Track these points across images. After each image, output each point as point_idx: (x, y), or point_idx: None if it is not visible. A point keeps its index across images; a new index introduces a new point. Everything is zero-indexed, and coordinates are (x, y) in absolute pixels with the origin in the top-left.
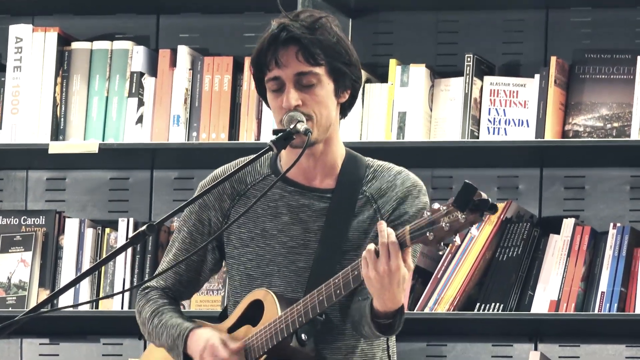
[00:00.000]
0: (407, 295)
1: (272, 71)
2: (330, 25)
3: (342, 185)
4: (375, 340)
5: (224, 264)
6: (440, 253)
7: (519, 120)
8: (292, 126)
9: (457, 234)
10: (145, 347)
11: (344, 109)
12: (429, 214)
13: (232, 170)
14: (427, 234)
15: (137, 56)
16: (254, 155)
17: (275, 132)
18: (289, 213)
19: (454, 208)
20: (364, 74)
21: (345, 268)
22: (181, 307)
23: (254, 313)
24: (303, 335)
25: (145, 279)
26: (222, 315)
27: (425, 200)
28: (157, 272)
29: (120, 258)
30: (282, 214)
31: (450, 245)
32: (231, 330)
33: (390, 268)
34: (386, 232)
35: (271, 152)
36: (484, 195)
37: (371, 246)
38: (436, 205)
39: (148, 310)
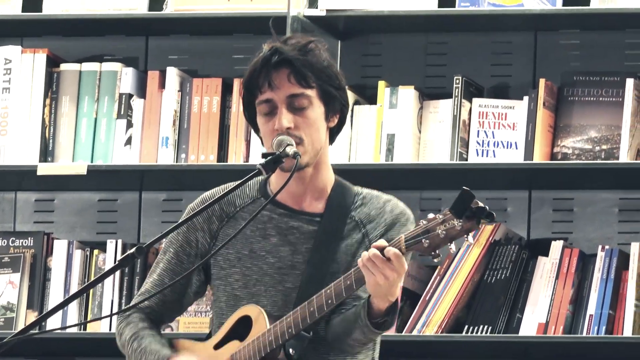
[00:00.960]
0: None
1: (264, 94)
2: (320, 50)
3: (331, 209)
4: (361, 355)
5: (208, 288)
6: (435, 261)
7: (508, 142)
8: (281, 150)
9: (453, 242)
10: None
11: (332, 135)
12: (424, 222)
13: (222, 194)
14: (422, 241)
15: (126, 78)
16: (242, 180)
17: (264, 155)
18: (278, 235)
19: (451, 215)
20: (352, 96)
21: None
22: (168, 329)
23: (241, 329)
24: (291, 350)
25: (134, 301)
26: (209, 337)
27: (412, 228)
28: (139, 292)
29: (108, 280)
30: (270, 235)
31: (439, 267)
32: (218, 346)
33: (392, 273)
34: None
35: (260, 175)
36: (481, 203)
37: (370, 252)
38: (432, 215)
39: (128, 334)
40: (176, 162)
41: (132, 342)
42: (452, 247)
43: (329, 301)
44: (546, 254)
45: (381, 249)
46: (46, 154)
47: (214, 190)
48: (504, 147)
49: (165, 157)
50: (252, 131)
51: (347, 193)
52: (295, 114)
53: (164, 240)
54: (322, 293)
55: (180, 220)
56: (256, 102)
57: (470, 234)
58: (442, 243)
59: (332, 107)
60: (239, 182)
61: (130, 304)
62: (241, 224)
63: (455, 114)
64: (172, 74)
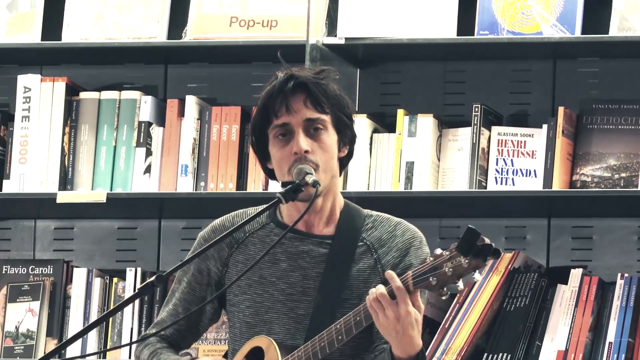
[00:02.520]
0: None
1: (280, 118)
2: (333, 79)
3: (341, 231)
4: None
5: (223, 313)
6: (444, 298)
7: (527, 170)
8: (300, 178)
9: (461, 279)
10: None
11: (341, 166)
12: (431, 259)
13: (233, 221)
14: (430, 279)
15: (145, 106)
16: (262, 209)
17: (284, 184)
18: (288, 260)
19: (457, 253)
20: (371, 124)
21: (344, 315)
22: (187, 357)
23: None
24: None
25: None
26: None
27: (427, 250)
28: (155, 322)
29: (128, 308)
30: (280, 260)
31: (458, 295)
32: None
33: (400, 313)
34: (392, 277)
35: (280, 204)
36: (487, 240)
37: (373, 294)
38: (439, 251)
39: (147, 353)
40: (195, 190)
41: (152, 359)
42: (460, 284)
43: (339, 337)
44: (565, 282)
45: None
46: (65, 182)
47: (224, 218)
48: (523, 175)
49: (185, 185)
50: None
51: (357, 215)
52: (311, 138)
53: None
54: (333, 328)
55: (193, 250)
56: (270, 127)
57: (477, 271)
58: (450, 280)
59: (344, 136)
60: (252, 209)
61: (146, 334)
62: (251, 249)
63: (474, 142)
64: (191, 102)
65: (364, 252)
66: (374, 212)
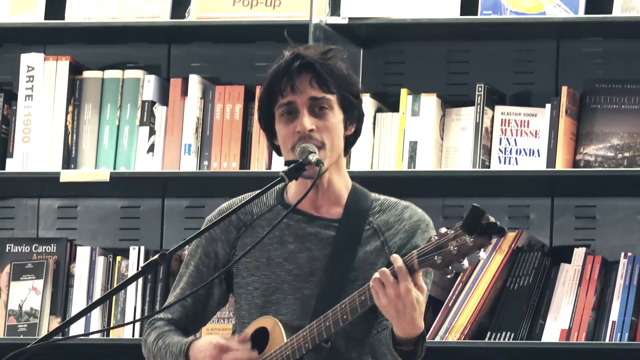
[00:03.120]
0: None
1: (286, 97)
2: (339, 58)
3: (349, 214)
4: None
5: (231, 296)
6: (449, 277)
7: (530, 149)
8: (304, 157)
9: (465, 258)
10: None
11: (347, 145)
12: (436, 237)
13: (241, 203)
14: (435, 258)
15: (149, 85)
16: (265, 187)
17: (287, 163)
18: (295, 242)
19: (462, 232)
20: (375, 104)
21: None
22: (191, 336)
23: (259, 340)
24: None
25: (156, 307)
26: None
27: (433, 234)
28: (164, 305)
29: (131, 286)
30: (288, 242)
31: (462, 274)
32: None
33: (400, 292)
34: (393, 257)
35: (283, 183)
36: (492, 219)
37: (377, 274)
38: (443, 230)
39: (153, 335)
40: (199, 169)
41: (157, 342)
42: (465, 262)
43: (345, 316)
44: (569, 261)
45: (392, 267)
46: (69, 161)
47: (232, 201)
48: (526, 154)
49: (188, 164)
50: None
51: (365, 198)
52: (316, 117)
53: (186, 252)
54: (338, 308)
55: (198, 231)
56: (276, 106)
57: (482, 249)
58: (455, 259)
59: (350, 115)
60: (258, 191)
61: (153, 313)
62: (259, 232)
63: (477, 121)
64: (195, 82)
65: (371, 235)
66: (382, 196)
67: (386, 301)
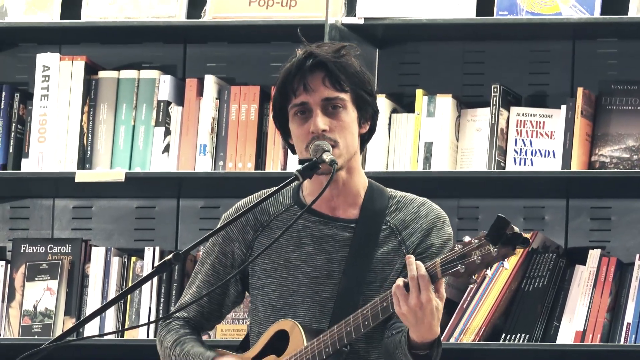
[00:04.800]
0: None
1: (299, 97)
2: (353, 55)
3: (365, 215)
4: None
5: (246, 295)
6: (472, 286)
7: (546, 151)
8: (318, 156)
9: (489, 267)
10: None
11: (362, 142)
12: (460, 247)
13: (256, 201)
14: (459, 267)
15: (164, 85)
16: (279, 186)
17: (301, 161)
18: (313, 243)
19: (486, 241)
20: (390, 104)
21: (369, 298)
22: (205, 336)
23: (278, 343)
24: None
25: (171, 308)
26: (243, 346)
27: (450, 231)
28: (179, 304)
29: (146, 286)
30: (305, 244)
31: (476, 275)
32: None
33: (422, 301)
34: (415, 265)
35: (296, 182)
36: (517, 229)
37: (400, 281)
38: (467, 239)
39: (170, 340)
40: (214, 169)
41: (175, 347)
42: (488, 272)
43: (366, 322)
44: (584, 263)
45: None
46: (84, 161)
47: (248, 199)
48: (541, 155)
49: (203, 165)
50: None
51: (381, 197)
52: (329, 117)
53: (202, 251)
54: (359, 313)
55: (215, 229)
56: (289, 105)
57: (506, 259)
58: (478, 269)
59: (364, 113)
60: (274, 189)
61: (168, 314)
62: (276, 232)
63: (493, 122)
64: (210, 82)
65: (388, 235)
66: (398, 193)
67: (406, 309)
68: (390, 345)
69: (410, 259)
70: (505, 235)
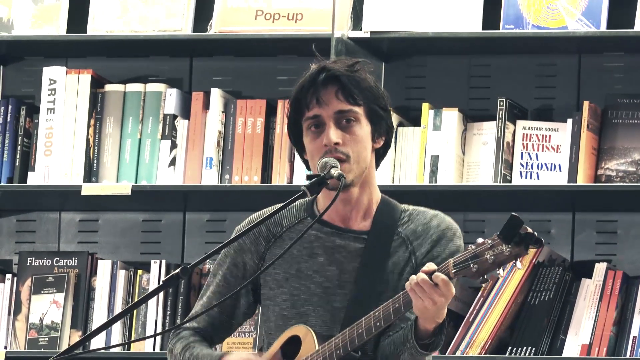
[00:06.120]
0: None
1: (312, 110)
2: (366, 71)
3: (377, 227)
4: None
5: (258, 307)
6: (483, 286)
7: (552, 164)
8: (325, 172)
9: (501, 267)
10: None
11: (378, 158)
12: (473, 247)
13: (269, 214)
14: (471, 266)
15: (170, 99)
16: (286, 202)
17: (309, 177)
18: (325, 254)
19: (499, 240)
20: (396, 118)
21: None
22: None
23: (290, 349)
24: None
25: (177, 321)
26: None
27: (459, 243)
28: (190, 315)
29: (152, 300)
30: (317, 254)
31: (482, 289)
32: None
33: (442, 300)
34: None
35: (305, 197)
36: (530, 229)
37: (418, 278)
38: (480, 239)
39: (179, 347)
40: (220, 182)
41: (184, 353)
42: (501, 272)
43: (377, 324)
44: (590, 276)
45: (429, 274)
46: (90, 174)
47: (261, 212)
48: (547, 169)
49: (209, 178)
50: (296, 152)
51: (394, 210)
52: (342, 130)
53: (213, 262)
54: (371, 315)
55: (227, 240)
56: (303, 119)
57: (518, 259)
58: (491, 268)
59: (378, 128)
60: (284, 203)
61: (179, 324)
62: (288, 243)
63: (499, 136)
64: (216, 95)
65: (399, 245)
66: (411, 207)
67: (430, 303)
68: (388, 345)
69: (431, 267)
70: (519, 234)
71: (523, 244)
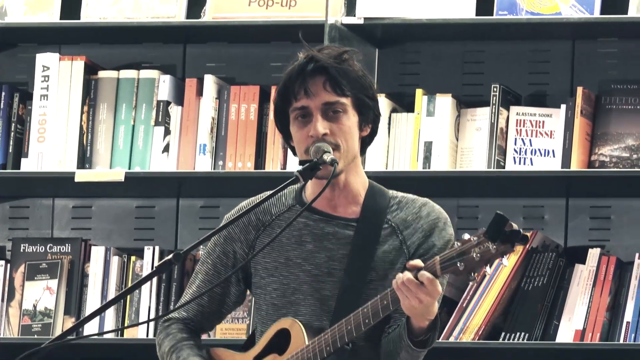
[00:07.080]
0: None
1: (299, 101)
2: (354, 60)
3: (366, 213)
4: None
5: (248, 293)
6: (471, 283)
7: (545, 150)
8: (318, 156)
9: (488, 264)
10: None
11: (364, 145)
12: (459, 244)
13: (257, 202)
14: (458, 264)
15: (164, 85)
16: (279, 187)
17: (301, 162)
18: (314, 241)
19: (485, 238)
20: (390, 104)
21: (370, 296)
22: (205, 336)
23: (280, 342)
24: None
25: (170, 307)
26: (248, 345)
27: (451, 231)
28: (179, 303)
29: (145, 286)
30: (306, 242)
31: (476, 274)
32: (257, 359)
33: (429, 299)
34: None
35: (297, 183)
36: (515, 226)
37: (404, 277)
38: (467, 236)
39: (167, 345)
40: (213, 169)
41: (171, 354)
42: (488, 269)
43: (366, 320)
44: (583, 262)
45: (416, 270)
46: (84, 160)
47: (250, 200)
48: (541, 155)
49: (203, 164)
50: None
51: (382, 196)
52: (330, 121)
53: (202, 250)
54: (360, 312)
55: (217, 228)
56: (290, 109)
57: (505, 256)
58: (477, 266)
59: (365, 117)
60: (275, 190)
61: (168, 312)
62: (277, 232)
63: (492, 121)
64: (210, 82)
65: (389, 233)
66: (399, 193)
67: (416, 302)
68: (388, 343)
69: (414, 264)
70: (504, 232)
71: (509, 242)
